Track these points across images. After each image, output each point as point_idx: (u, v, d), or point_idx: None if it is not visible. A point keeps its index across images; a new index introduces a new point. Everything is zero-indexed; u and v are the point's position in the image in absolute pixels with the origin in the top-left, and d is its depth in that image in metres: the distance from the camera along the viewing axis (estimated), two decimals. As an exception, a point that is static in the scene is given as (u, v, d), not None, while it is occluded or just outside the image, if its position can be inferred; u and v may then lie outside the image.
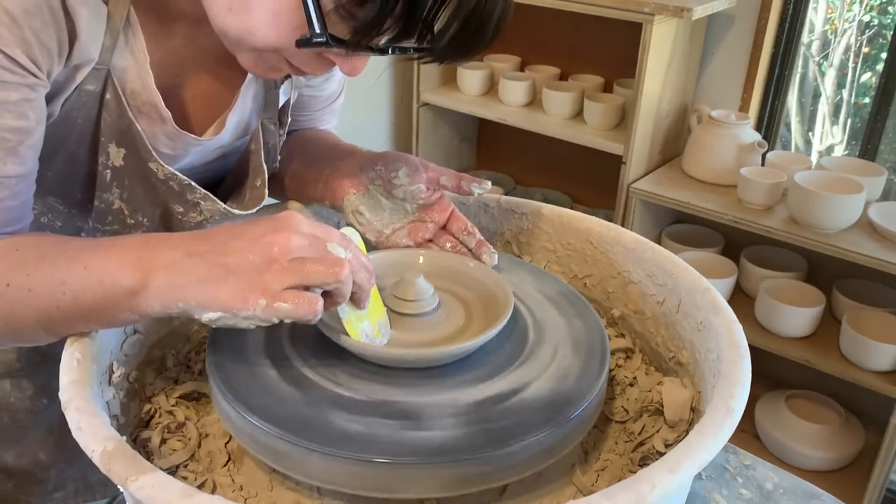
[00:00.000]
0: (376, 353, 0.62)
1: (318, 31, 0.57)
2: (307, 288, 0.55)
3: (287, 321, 0.55)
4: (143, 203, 0.76)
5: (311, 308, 0.54)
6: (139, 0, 0.67)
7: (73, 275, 0.57)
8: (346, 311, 0.61)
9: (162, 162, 0.72)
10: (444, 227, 0.79)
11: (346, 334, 0.61)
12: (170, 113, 0.72)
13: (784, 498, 0.77)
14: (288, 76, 0.81)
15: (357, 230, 0.78)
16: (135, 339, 0.69)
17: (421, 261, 0.75)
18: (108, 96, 0.69)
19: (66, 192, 0.76)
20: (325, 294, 0.56)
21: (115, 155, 0.72)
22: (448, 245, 0.78)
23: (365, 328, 0.62)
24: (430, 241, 0.79)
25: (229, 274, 0.54)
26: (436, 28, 0.59)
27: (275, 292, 0.53)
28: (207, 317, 0.54)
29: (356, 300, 0.60)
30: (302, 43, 0.59)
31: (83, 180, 0.75)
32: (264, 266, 0.54)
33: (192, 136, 0.75)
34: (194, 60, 0.74)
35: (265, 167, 0.78)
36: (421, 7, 0.56)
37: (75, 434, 0.52)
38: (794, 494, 0.77)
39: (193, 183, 0.74)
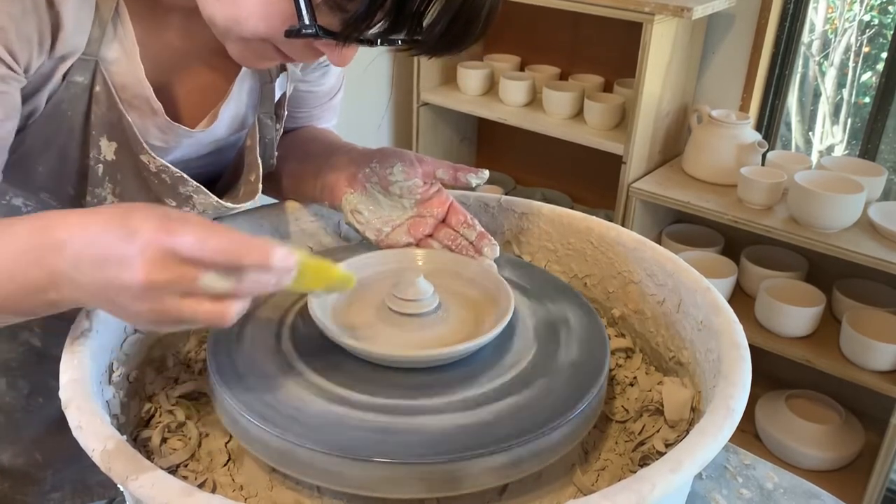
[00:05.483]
0: (376, 354, 0.62)
1: (307, 22, 0.57)
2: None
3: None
4: (135, 198, 0.75)
5: (222, 323, 0.52)
6: None
7: None
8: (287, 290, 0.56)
9: (153, 154, 0.72)
10: (443, 221, 0.78)
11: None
12: (161, 105, 0.71)
13: (784, 498, 0.77)
14: (283, 69, 0.80)
15: (357, 229, 0.78)
16: (135, 338, 0.69)
17: (421, 261, 0.75)
18: (97, 88, 0.68)
19: (59, 188, 0.75)
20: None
21: (106, 149, 0.72)
22: (448, 239, 0.77)
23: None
24: (430, 235, 0.78)
25: (116, 308, 0.52)
26: (426, 21, 0.59)
27: (171, 324, 0.52)
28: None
29: (282, 283, 0.54)
30: (291, 33, 0.59)
31: (75, 176, 0.74)
32: (141, 312, 0.50)
33: (184, 128, 0.74)
34: (189, 53, 0.74)
35: (260, 162, 0.78)
36: (411, 1, 0.56)
37: (75, 433, 0.52)
38: (794, 494, 0.77)
39: (185, 175, 0.73)
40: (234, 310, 0.51)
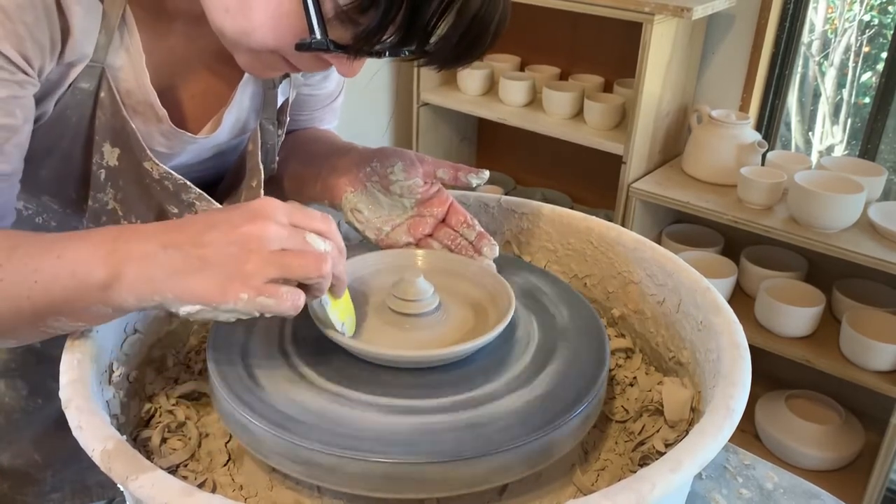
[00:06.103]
0: (377, 354, 0.62)
1: (318, 36, 0.57)
2: (287, 280, 0.54)
3: (267, 315, 0.54)
4: (137, 204, 0.75)
5: (294, 304, 0.54)
6: None
7: (46, 264, 0.55)
8: (328, 303, 0.60)
9: (157, 161, 0.72)
10: (443, 221, 0.78)
11: (332, 325, 0.61)
12: (166, 112, 0.71)
13: (784, 498, 0.77)
14: (287, 75, 0.80)
15: (357, 228, 0.78)
16: (135, 338, 0.69)
17: (421, 261, 0.75)
18: (102, 95, 0.68)
19: (61, 191, 0.76)
20: (305, 287, 0.56)
21: (109, 154, 0.72)
22: (448, 239, 0.77)
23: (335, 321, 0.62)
24: (430, 235, 0.78)
25: (207, 266, 0.53)
26: (435, 35, 0.59)
27: (257, 286, 0.53)
28: (185, 310, 0.53)
29: (334, 291, 0.59)
30: (302, 47, 0.59)
31: (78, 180, 0.74)
32: (243, 258, 0.53)
33: (189, 134, 0.74)
34: (192, 59, 0.74)
35: (261, 168, 0.78)
36: (422, 15, 0.56)
37: (76, 433, 0.52)
38: (794, 494, 0.77)
39: (189, 183, 0.73)
40: (329, 264, 0.55)
